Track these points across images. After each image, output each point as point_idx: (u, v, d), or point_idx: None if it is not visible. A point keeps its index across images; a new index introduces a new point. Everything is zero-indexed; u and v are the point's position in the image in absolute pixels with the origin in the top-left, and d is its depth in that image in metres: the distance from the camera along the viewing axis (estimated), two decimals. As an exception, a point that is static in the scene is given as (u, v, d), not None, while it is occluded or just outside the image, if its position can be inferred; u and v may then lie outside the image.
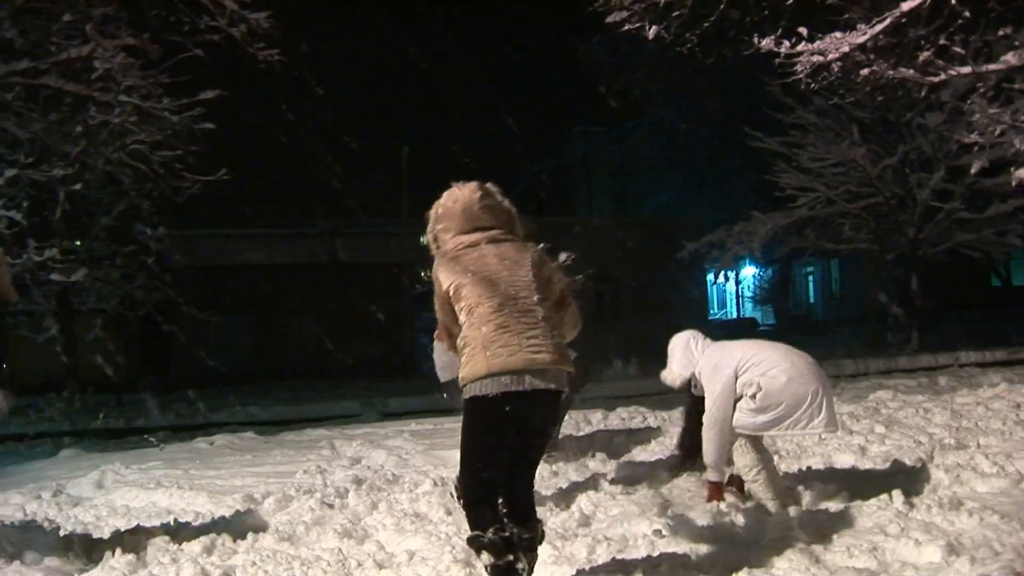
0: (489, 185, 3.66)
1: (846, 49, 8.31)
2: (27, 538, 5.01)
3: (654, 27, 8.68)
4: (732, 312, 40.34)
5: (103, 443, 8.62)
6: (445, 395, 5.80)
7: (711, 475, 4.86)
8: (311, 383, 18.97)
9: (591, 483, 5.49)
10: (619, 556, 3.98)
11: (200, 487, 6.29)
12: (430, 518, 4.99)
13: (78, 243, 14.65)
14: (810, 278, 34.15)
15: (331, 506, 5.42)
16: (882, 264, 18.28)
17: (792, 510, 4.62)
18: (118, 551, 4.51)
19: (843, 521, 4.40)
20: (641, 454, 6.66)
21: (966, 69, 8.93)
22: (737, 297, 40.15)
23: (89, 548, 4.72)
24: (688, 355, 4.95)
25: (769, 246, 19.38)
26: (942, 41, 8.73)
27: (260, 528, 4.95)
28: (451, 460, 6.11)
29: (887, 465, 5.62)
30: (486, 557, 3.31)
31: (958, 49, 8.72)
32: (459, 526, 4.78)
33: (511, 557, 3.29)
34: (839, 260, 28.35)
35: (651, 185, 33.84)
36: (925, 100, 13.82)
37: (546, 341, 3.41)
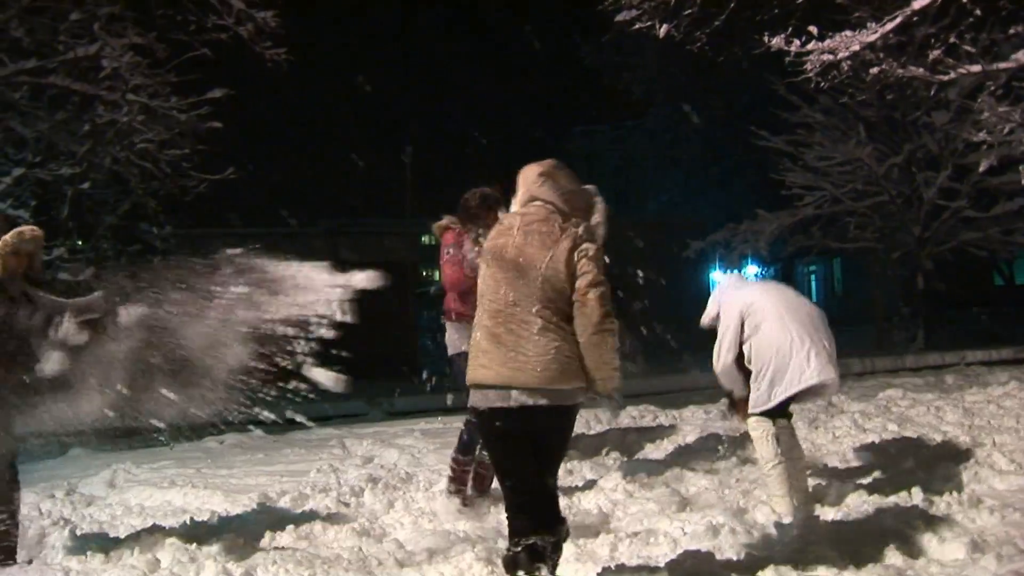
0: (558, 163, 3.58)
1: (856, 48, 8.28)
2: (44, 537, 5.01)
3: (664, 25, 8.67)
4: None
5: (112, 442, 8.58)
6: (448, 370, 5.70)
7: (736, 395, 4.94)
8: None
9: (607, 481, 5.48)
10: (642, 553, 3.97)
11: (214, 486, 6.28)
12: (448, 516, 4.99)
13: (79, 243, 14.61)
14: (812, 277, 34.12)
15: (347, 505, 5.42)
16: (887, 263, 18.26)
17: (814, 507, 4.61)
18: (136, 550, 4.50)
19: (865, 518, 4.41)
20: (654, 452, 6.65)
21: (976, 67, 8.91)
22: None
23: (106, 547, 4.70)
24: (716, 296, 5.05)
25: (773, 245, 19.33)
26: (952, 39, 8.71)
27: (277, 527, 4.93)
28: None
29: (904, 463, 5.63)
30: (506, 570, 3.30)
31: (968, 47, 8.70)
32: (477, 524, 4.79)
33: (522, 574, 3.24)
34: (841, 259, 28.34)
35: (653, 184, 33.82)
36: (933, 99, 13.84)
37: (539, 357, 3.22)
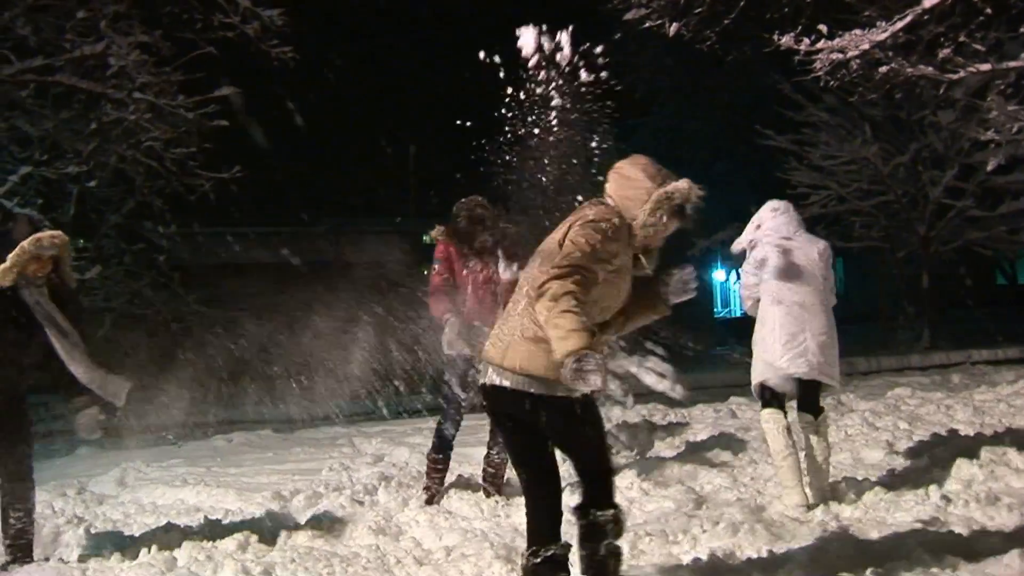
0: (635, 158, 3.49)
1: (866, 46, 8.25)
2: (59, 535, 5.01)
3: (674, 24, 8.65)
4: (736, 311, 40.27)
5: (119, 440, 8.58)
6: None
7: None
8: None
9: (622, 480, 5.45)
10: (663, 551, 3.97)
11: (226, 484, 6.27)
12: (463, 514, 4.98)
13: (82, 242, 14.59)
14: (816, 276, 34.08)
15: (361, 503, 5.41)
16: (893, 262, 18.23)
17: (832, 504, 4.60)
18: (153, 548, 4.49)
19: (882, 515, 4.40)
20: (667, 450, 6.64)
21: (985, 66, 8.87)
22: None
23: (122, 545, 4.70)
24: (751, 229, 5.11)
25: (778, 244, 19.27)
26: (962, 38, 8.68)
27: (292, 526, 4.94)
28: (475, 457, 6.10)
29: (917, 461, 5.62)
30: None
31: (978, 46, 8.67)
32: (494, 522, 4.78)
33: None
34: (844, 258, 28.29)
35: (656, 183, 33.71)
36: (940, 98, 13.79)
37: (508, 335, 3.05)
